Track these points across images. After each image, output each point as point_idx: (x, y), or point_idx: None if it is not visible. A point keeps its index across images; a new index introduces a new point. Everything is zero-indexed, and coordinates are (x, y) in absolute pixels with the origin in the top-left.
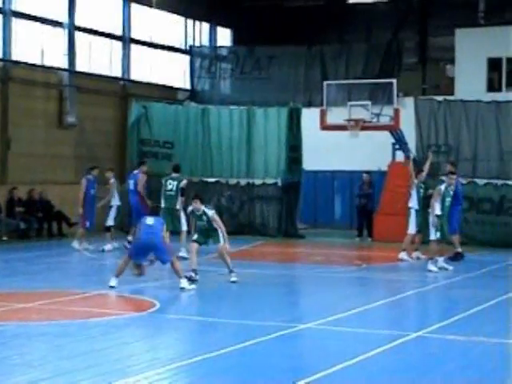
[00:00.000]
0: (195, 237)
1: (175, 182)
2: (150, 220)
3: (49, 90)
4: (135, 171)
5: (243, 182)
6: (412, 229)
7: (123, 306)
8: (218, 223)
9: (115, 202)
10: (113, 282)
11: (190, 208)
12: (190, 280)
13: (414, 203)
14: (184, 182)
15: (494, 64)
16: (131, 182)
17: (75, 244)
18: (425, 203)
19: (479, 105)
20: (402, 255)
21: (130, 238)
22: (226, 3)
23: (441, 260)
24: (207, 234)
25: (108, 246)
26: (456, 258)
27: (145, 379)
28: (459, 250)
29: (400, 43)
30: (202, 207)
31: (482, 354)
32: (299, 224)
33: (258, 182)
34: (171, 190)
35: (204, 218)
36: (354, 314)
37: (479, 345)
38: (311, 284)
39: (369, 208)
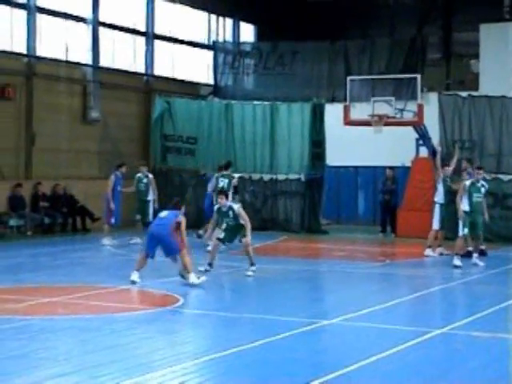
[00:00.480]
0: (221, 235)
1: (226, 180)
2: (163, 213)
3: (73, 85)
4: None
5: (266, 177)
6: (436, 224)
7: (147, 301)
8: (244, 217)
9: (151, 196)
10: (134, 276)
11: (216, 205)
12: (206, 270)
13: (439, 197)
14: (235, 179)
15: None
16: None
17: (105, 241)
18: (450, 198)
19: (504, 100)
20: (428, 252)
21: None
22: None
23: (474, 256)
24: (235, 230)
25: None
26: (466, 255)
27: (171, 373)
28: (470, 248)
29: (424, 38)
30: (228, 202)
31: (505, 351)
32: (322, 220)
33: (281, 177)
34: (223, 188)
35: (230, 213)
36: (378, 310)
37: (503, 342)
38: (334, 280)
39: (392, 204)
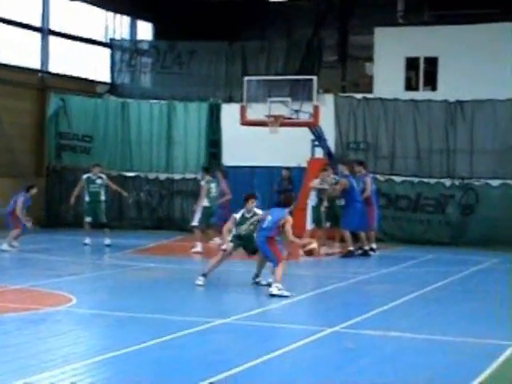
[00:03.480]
0: (242, 247)
1: (215, 183)
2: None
3: None
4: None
5: (163, 176)
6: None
7: (40, 301)
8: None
9: (104, 197)
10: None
11: (241, 211)
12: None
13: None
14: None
15: (411, 63)
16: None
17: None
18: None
19: (397, 103)
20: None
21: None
22: None
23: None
24: (251, 239)
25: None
26: (347, 255)
27: (62, 374)
28: (351, 248)
29: (320, 41)
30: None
31: (397, 349)
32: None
33: (177, 176)
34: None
35: (254, 219)
36: (273, 310)
37: (394, 340)
38: (232, 279)
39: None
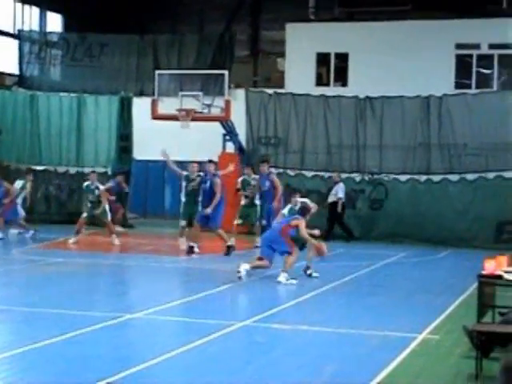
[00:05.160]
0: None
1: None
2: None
3: None
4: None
5: (72, 170)
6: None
7: None
8: None
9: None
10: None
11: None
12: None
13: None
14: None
15: (322, 59)
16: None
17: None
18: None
19: (308, 98)
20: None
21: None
22: None
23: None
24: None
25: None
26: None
27: None
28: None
29: (232, 35)
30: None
31: (306, 342)
32: (129, 214)
33: (87, 170)
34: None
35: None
36: (182, 304)
37: (304, 333)
38: (140, 274)
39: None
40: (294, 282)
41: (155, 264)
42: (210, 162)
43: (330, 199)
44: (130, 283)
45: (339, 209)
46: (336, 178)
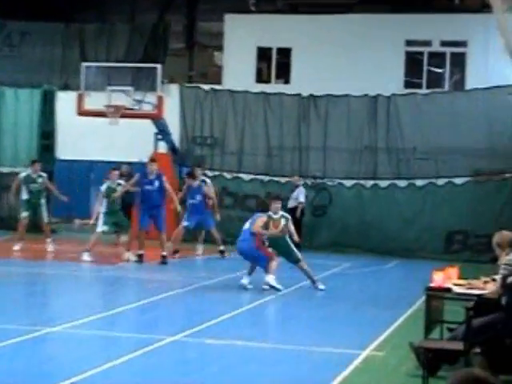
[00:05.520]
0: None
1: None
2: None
3: None
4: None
5: None
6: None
7: None
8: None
9: None
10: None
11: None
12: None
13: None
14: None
15: (263, 54)
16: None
17: None
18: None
19: (247, 96)
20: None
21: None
22: None
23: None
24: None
25: None
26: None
27: None
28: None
29: (166, 26)
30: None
31: (242, 359)
32: (52, 218)
33: (6, 170)
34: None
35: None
36: (108, 317)
37: (240, 349)
38: (62, 284)
39: (127, 201)
40: (280, 287)
41: (79, 273)
42: (153, 161)
43: (291, 204)
44: (51, 294)
45: (298, 214)
46: (296, 182)
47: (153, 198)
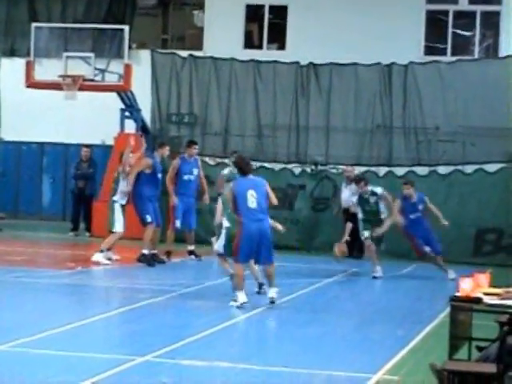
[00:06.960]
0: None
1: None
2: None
3: None
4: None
5: None
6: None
7: None
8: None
9: None
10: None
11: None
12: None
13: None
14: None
15: (253, 13)
16: None
17: None
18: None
19: (234, 64)
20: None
21: None
22: None
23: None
24: None
25: None
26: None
27: None
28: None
29: None
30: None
31: (224, 381)
32: None
33: None
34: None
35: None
36: (65, 332)
37: (222, 372)
38: (7, 293)
39: (88, 193)
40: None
41: (28, 279)
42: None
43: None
44: None
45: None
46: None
47: (192, 189)
